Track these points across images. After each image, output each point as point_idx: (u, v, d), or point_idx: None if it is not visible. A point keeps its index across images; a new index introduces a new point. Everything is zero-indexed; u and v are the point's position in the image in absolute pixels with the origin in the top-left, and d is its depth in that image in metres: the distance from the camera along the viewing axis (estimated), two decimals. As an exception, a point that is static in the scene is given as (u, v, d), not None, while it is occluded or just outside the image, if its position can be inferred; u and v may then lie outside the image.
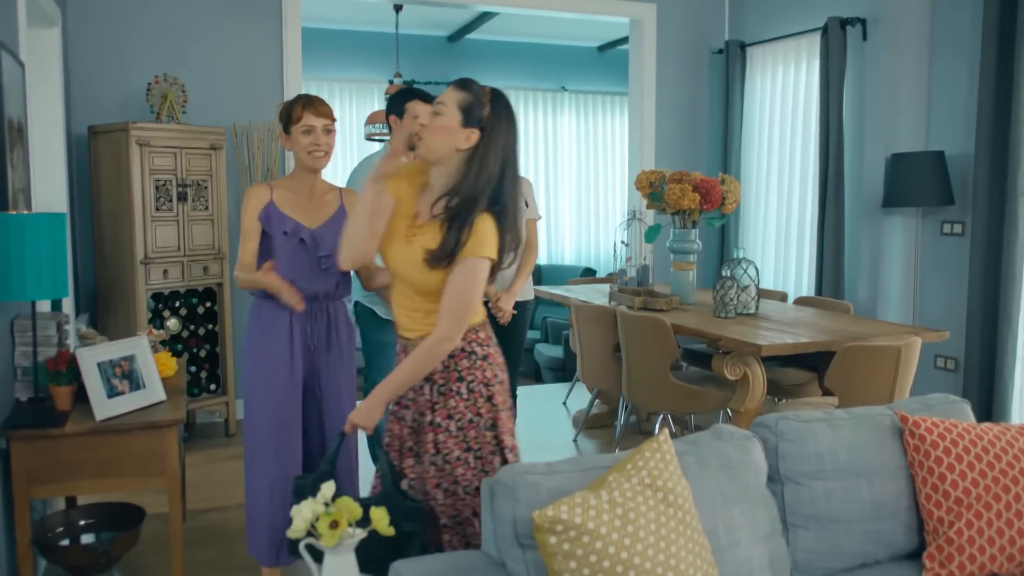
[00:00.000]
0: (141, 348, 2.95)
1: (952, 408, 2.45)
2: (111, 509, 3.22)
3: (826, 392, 4.20)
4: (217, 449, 4.88)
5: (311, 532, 1.74)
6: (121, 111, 4.95)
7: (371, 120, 6.39)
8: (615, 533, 1.69)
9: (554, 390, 6.49)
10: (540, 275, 8.26)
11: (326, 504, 1.75)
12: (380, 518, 1.75)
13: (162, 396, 2.93)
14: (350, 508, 1.75)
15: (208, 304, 5.00)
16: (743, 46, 6.10)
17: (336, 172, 7.97)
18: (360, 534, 1.75)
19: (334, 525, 1.71)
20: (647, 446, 1.91)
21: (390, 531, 1.76)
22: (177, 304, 4.87)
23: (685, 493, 1.88)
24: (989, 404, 4.53)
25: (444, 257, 2.15)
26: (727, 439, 2.18)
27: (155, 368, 2.96)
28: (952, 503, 2.17)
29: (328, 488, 1.77)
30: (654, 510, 1.78)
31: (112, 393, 2.77)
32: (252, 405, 2.87)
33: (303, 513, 1.71)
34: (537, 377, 7.42)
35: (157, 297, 4.75)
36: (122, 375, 2.83)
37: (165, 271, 4.72)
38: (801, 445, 2.23)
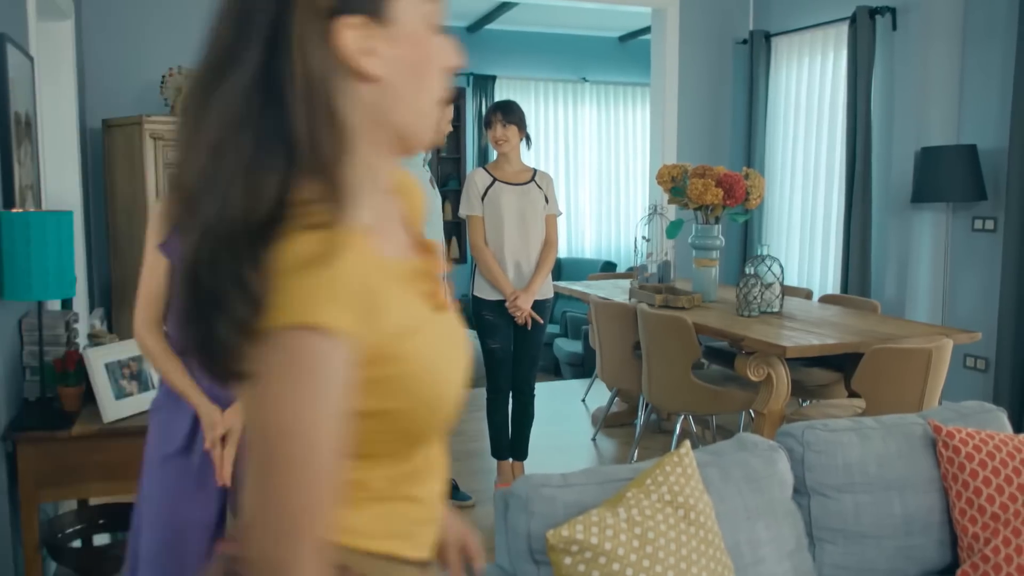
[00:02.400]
0: (151, 348, 2.89)
1: (988, 417, 2.35)
2: (123, 508, 3.17)
3: (852, 394, 4.09)
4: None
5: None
6: (136, 104, 4.89)
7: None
8: (633, 554, 1.62)
9: (573, 386, 6.41)
10: (560, 269, 8.17)
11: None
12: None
13: (172, 397, 2.87)
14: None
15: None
16: (768, 36, 5.96)
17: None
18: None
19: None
20: (668, 460, 1.82)
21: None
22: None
23: (707, 510, 1.80)
24: (1021, 406, 4.40)
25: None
26: (751, 449, 2.09)
27: (165, 368, 2.90)
28: (988, 519, 2.07)
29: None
30: (674, 528, 1.70)
31: (120, 394, 2.72)
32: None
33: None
34: (556, 372, 7.35)
35: (172, 292, 4.71)
36: (131, 376, 2.78)
37: (180, 266, 4.66)
38: (829, 456, 2.14)
